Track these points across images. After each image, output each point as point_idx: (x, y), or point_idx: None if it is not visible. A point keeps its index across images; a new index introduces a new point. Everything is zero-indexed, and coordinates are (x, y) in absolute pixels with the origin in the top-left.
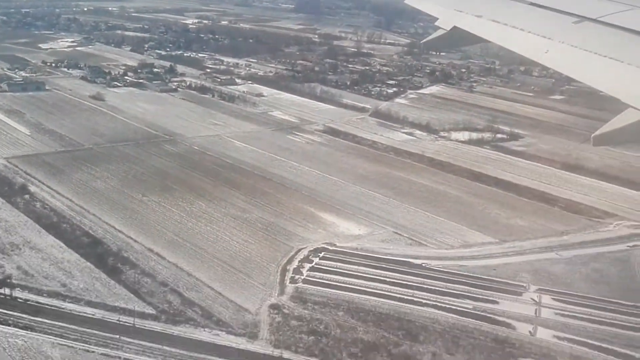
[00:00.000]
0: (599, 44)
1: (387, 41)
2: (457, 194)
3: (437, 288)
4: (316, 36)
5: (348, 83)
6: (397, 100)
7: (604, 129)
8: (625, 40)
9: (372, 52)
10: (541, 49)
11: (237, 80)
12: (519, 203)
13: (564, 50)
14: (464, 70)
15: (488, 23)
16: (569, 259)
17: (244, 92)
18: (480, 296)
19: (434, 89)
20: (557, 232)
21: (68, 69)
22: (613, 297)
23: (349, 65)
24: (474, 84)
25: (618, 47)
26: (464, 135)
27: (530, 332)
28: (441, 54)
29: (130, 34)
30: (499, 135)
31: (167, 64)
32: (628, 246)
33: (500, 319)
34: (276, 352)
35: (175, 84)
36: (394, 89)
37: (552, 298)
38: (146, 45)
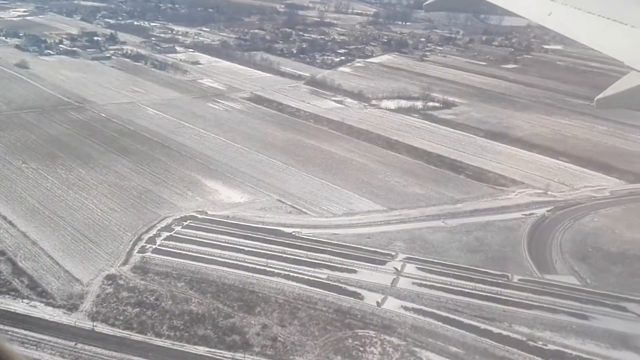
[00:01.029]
0: (602, 6)
1: (355, 11)
2: (363, 161)
3: (296, 257)
4: (282, 6)
5: (294, 51)
6: (341, 68)
7: (607, 92)
8: (630, 2)
9: (335, 21)
10: (544, 11)
11: (178, 49)
12: (425, 171)
13: (568, 12)
14: (423, 39)
15: None
16: (454, 228)
17: (180, 60)
18: (340, 265)
19: (385, 57)
20: (453, 200)
21: (6, 38)
22: (483, 267)
23: (305, 35)
24: (428, 53)
25: (622, 9)
26: (396, 104)
27: (377, 302)
28: (407, 23)
29: (88, 3)
30: (432, 104)
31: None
32: (523, 214)
33: (352, 289)
34: (89, 325)
35: (112, 52)
36: (342, 57)
37: (417, 267)
38: (99, 15)
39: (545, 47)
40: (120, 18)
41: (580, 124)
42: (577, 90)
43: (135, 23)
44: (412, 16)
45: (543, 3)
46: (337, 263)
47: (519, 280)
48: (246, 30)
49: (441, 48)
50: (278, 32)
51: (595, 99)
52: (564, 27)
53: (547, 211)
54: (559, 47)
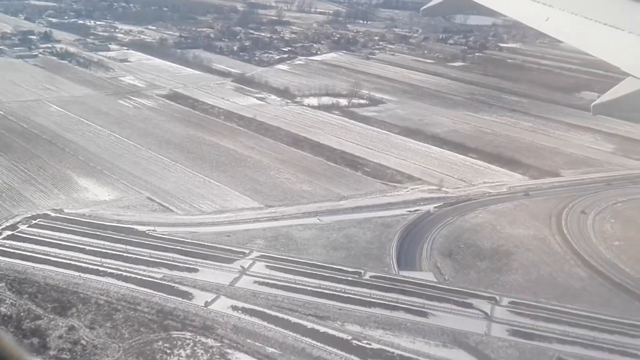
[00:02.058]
0: (599, 11)
1: (318, 10)
2: (259, 158)
3: (137, 256)
4: (244, 5)
5: (236, 49)
6: (279, 66)
7: (603, 97)
8: (626, 8)
9: (293, 20)
10: (541, 16)
11: (113, 47)
12: (322, 168)
13: (564, 18)
14: (376, 37)
15: None
16: (327, 225)
17: (109, 58)
18: (182, 264)
19: (330, 55)
20: (339, 197)
21: None
22: (340, 264)
23: (254, 33)
24: (376, 52)
25: (618, 14)
26: (321, 100)
27: (206, 302)
28: (367, 22)
29: (39, 2)
30: (359, 101)
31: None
32: (408, 211)
33: (185, 289)
34: None
35: (41, 50)
36: (285, 55)
37: (266, 265)
38: (45, 14)
39: (502, 45)
40: (66, 17)
41: (505, 121)
42: (516, 87)
43: (80, 22)
44: (375, 15)
45: (540, 8)
46: (180, 262)
47: (370, 277)
48: (193, 29)
49: (392, 46)
50: (226, 30)
51: (592, 105)
52: (560, 33)
53: (435, 207)
54: (516, 45)
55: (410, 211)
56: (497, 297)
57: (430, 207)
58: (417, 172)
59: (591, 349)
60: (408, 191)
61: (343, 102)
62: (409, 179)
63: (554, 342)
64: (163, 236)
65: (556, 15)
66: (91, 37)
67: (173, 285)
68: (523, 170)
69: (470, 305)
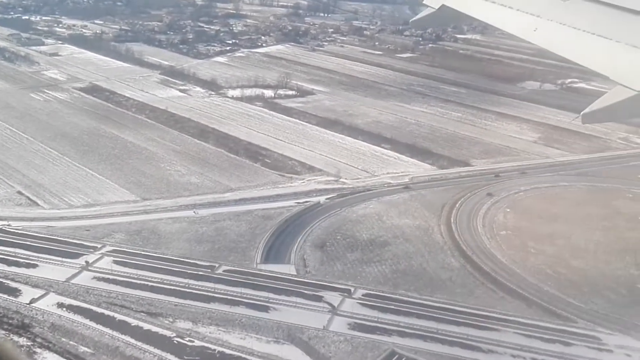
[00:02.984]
0: (587, 21)
1: (280, 3)
2: (155, 150)
3: None
4: None
5: (176, 42)
6: (217, 58)
7: (593, 106)
8: (614, 18)
9: (250, 14)
10: (530, 27)
11: (48, 41)
12: (219, 160)
13: (553, 28)
14: (331, 30)
15: (477, 1)
16: (202, 218)
17: (41, 52)
18: (22, 260)
19: (275, 48)
20: (227, 189)
21: None
22: (198, 258)
23: (204, 26)
24: (326, 43)
25: (607, 24)
26: (247, 92)
27: (32, 299)
28: (328, 15)
29: None
30: (288, 92)
31: None
32: (297, 202)
33: (14, 285)
34: None
35: None
36: (228, 47)
37: (114, 260)
38: None
39: (459, 36)
40: (12, 12)
41: (434, 111)
42: (459, 78)
43: (24, 17)
44: (339, 8)
45: (528, 20)
46: (21, 257)
47: (223, 271)
48: (140, 22)
49: (345, 38)
50: (174, 23)
51: (582, 113)
52: (549, 43)
53: (326, 199)
54: (475, 36)
55: (298, 203)
56: (352, 289)
57: (322, 198)
58: (321, 163)
59: (431, 341)
60: (303, 182)
61: (269, 93)
62: (309, 170)
63: (393, 335)
64: (15, 231)
65: (545, 26)
66: (31, 31)
67: (4, 281)
68: (433, 160)
69: (319, 299)
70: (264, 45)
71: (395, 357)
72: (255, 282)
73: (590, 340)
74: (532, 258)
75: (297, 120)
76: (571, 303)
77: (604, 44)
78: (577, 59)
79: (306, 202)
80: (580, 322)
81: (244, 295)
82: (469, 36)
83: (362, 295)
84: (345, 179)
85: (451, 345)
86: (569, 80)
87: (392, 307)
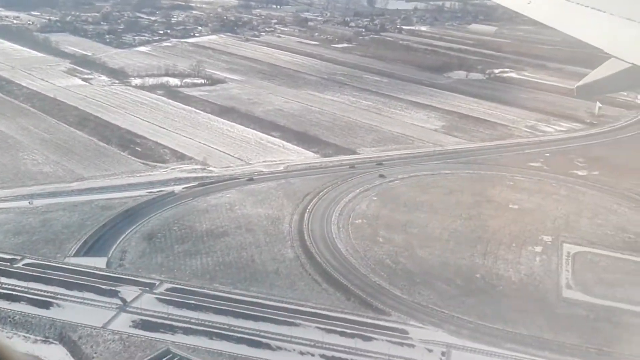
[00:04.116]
0: None
1: None
2: (22, 139)
3: None
4: None
5: (102, 32)
6: (140, 48)
7: (586, 79)
8: None
9: (199, 5)
10: (524, 0)
11: None
12: (85, 148)
13: (546, 1)
14: (275, 20)
15: None
16: (34, 208)
17: None
18: None
19: (208, 38)
20: (78, 177)
21: None
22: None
23: (143, 17)
24: (263, 34)
25: None
26: (154, 80)
27: None
28: (279, 7)
29: None
30: (198, 81)
31: None
32: (149, 192)
33: None
34: None
35: None
36: (157, 37)
37: None
38: None
39: (406, 27)
40: None
41: (344, 100)
42: (387, 67)
43: None
44: (294, 0)
45: None
46: None
47: (23, 265)
48: (75, 13)
49: (285, 29)
50: (109, 14)
51: (575, 86)
52: (543, 15)
53: (183, 188)
54: (424, 27)
55: (151, 192)
56: (157, 284)
57: (179, 187)
58: (196, 151)
59: (217, 338)
60: (166, 171)
61: (176, 82)
62: (179, 159)
63: (178, 333)
64: None
65: None
66: None
67: None
68: (320, 148)
69: (115, 294)
70: (197, 35)
71: (168, 357)
72: (51, 277)
73: (396, 335)
74: (377, 248)
75: (192, 109)
76: (396, 295)
77: (597, 17)
78: (570, 32)
79: (160, 191)
80: (394, 315)
81: (30, 291)
82: (419, 27)
83: (165, 290)
84: (214, 167)
85: (238, 342)
86: (499, 70)
87: (193, 302)
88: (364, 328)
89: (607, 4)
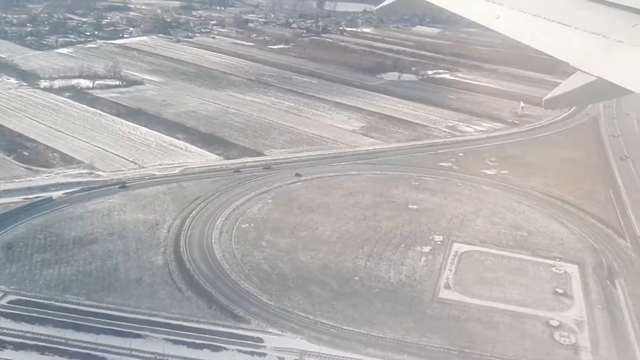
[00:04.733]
0: (548, 8)
1: None
2: None
3: None
4: None
5: (24, 34)
6: (60, 50)
7: (554, 92)
8: (573, 5)
9: (139, 6)
10: (492, 15)
11: None
12: None
13: (514, 16)
14: (214, 22)
15: None
16: None
17: None
18: None
19: (137, 39)
20: None
21: None
22: None
23: (75, 18)
24: (197, 35)
25: (566, 11)
26: (62, 83)
27: None
28: (223, 8)
29: None
30: (108, 82)
31: None
32: (25, 198)
33: None
34: None
35: None
36: (83, 39)
37: None
38: None
39: (349, 29)
40: None
41: (266, 101)
42: (319, 68)
43: None
44: (241, 1)
45: (490, 7)
46: None
47: None
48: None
49: (223, 30)
50: (38, 16)
51: (544, 99)
52: (511, 30)
53: (64, 193)
54: (368, 29)
55: (27, 199)
56: (1, 295)
57: (60, 192)
58: (88, 155)
59: (50, 353)
60: (49, 176)
61: (87, 83)
62: (67, 163)
63: (7, 349)
64: None
65: (506, 14)
66: None
67: None
68: (225, 150)
69: None
70: (126, 36)
71: None
72: None
73: (249, 344)
74: (257, 253)
75: (97, 111)
76: (262, 302)
77: (563, 32)
78: (537, 46)
79: (37, 197)
80: (253, 323)
81: None
82: (364, 29)
83: (7, 302)
84: (102, 171)
85: (72, 357)
86: (433, 71)
87: (34, 315)
88: (217, 338)
89: (572, 19)
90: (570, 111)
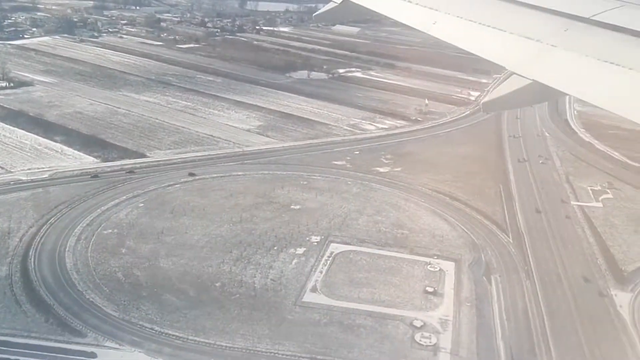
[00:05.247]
0: (483, 14)
1: None
2: None
3: None
4: None
5: None
6: None
7: (492, 95)
8: (507, 10)
9: (48, 7)
10: (429, 21)
11: None
12: None
13: (451, 21)
14: (124, 21)
15: None
16: None
17: None
18: None
19: (38, 40)
20: None
21: None
22: None
23: None
24: (104, 35)
25: (501, 16)
26: None
27: None
28: (138, 8)
29: None
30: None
31: None
32: None
33: None
34: None
35: None
36: None
37: None
38: None
39: (266, 28)
40: None
41: (161, 100)
42: (226, 67)
43: None
44: (160, 1)
45: (427, 13)
46: None
47: None
48: None
49: (133, 29)
50: None
51: (482, 102)
52: (448, 35)
53: None
54: (287, 29)
55: None
56: None
57: None
58: None
59: None
60: None
61: None
62: None
63: None
64: None
65: (443, 19)
66: None
67: None
68: (105, 152)
69: None
70: (26, 37)
71: None
72: None
73: (80, 359)
74: (113, 260)
75: None
76: (106, 313)
77: (499, 36)
78: (474, 51)
79: None
80: (89, 337)
81: None
82: (282, 29)
83: None
84: None
85: None
86: (345, 69)
87: None
88: (46, 354)
89: (507, 24)
90: (476, 108)
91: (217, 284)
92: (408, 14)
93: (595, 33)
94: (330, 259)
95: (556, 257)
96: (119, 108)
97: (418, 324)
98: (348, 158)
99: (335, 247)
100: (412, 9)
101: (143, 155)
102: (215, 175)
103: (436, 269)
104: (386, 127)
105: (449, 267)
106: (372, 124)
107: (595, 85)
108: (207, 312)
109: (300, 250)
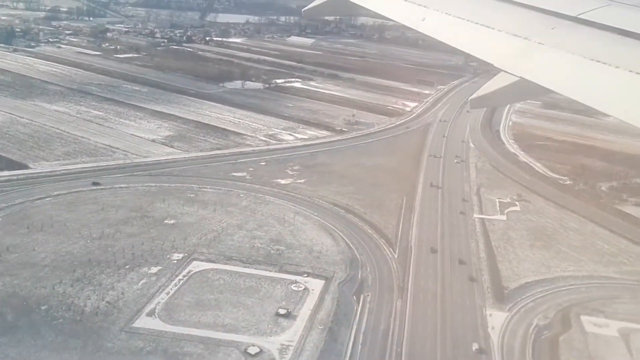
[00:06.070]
0: (472, 11)
1: (47, 7)
2: None
3: None
4: None
5: None
6: None
7: (479, 92)
8: (495, 7)
9: None
10: (418, 17)
11: None
12: None
13: (439, 18)
14: (69, 31)
15: None
16: None
17: None
18: None
19: None
20: None
21: None
22: None
23: None
24: (43, 44)
25: (490, 14)
26: None
27: None
28: (91, 19)
29: None
30: None
31: None
32: None
33: None
34: None
35: None
36: None
37: None
38: None
39: (218, 39)
40: None
41: (72, 110)
42: (160, 78)
43: None
44: (120, 12)
45: (417, 10)
46: None
47: None
48: None
49: (75, 39)
50: None
51: (469, 98)
52: (436, 32)
53: None
54: (240, 39)
55: None
56: None
57: None
58: None
59: None
60: None
61: None
62: None
63: None
64: None
65: (432, 16)
66: None
67: None
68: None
69: None
70: None
71: None
72: None
73: None
74: None
75: None
76: None
77: (487, 33)
78: (462, 48)
79: None
80: None
81: None
82: (235, 39)
83: None
84: None
85: None
86: (284, 80)
87: None
88: None
89: (495, 21)
90: (409, 118)
91: (43, 307)
92: (397, 10)
93: (582, 31)
94: (185, 278)
95: (439, 274)
96: (22, 118)
97: (253, 350)
98: (251, 169)
99: (196, 266)
100: (401, 5)
101: (25, 167)
102: (95, 188)
103: (300, 289)
104: (306, 137)
105: (316, 286)
106: (291, 134)
107: (581, 82)
108: (18, 339)
109: (154, 270)
